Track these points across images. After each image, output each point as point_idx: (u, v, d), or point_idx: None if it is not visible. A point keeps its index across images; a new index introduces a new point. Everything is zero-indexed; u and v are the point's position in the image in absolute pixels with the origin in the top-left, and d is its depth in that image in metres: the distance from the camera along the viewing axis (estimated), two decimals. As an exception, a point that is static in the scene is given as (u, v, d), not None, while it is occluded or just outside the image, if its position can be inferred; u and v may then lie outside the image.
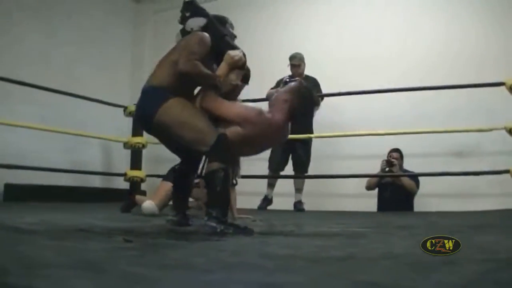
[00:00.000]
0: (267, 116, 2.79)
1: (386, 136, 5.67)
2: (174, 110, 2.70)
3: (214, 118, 2.79)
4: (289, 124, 2.97)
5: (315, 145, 5.92)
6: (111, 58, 7.70)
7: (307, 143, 5.81)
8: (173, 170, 4.09)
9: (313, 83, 5.60)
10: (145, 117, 2.81)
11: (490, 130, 5.07)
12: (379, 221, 3.94)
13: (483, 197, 5.56)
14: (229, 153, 2.67)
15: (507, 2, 6.07)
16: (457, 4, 6.38)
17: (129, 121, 6.50)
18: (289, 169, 5.89)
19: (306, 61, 5.84)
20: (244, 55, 2.95)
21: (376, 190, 5.71)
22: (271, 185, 5.85)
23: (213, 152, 2.63)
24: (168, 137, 2.84)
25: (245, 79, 3.02)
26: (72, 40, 6.98)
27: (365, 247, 2.15)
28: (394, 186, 5.52)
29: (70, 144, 6.45)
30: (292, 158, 5.82)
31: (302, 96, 2.90)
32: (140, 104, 2.84)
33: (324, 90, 5.82)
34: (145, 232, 2.77)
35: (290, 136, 5.48)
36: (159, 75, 2.81)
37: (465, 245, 1.78)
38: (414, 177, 5.50)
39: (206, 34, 2.89)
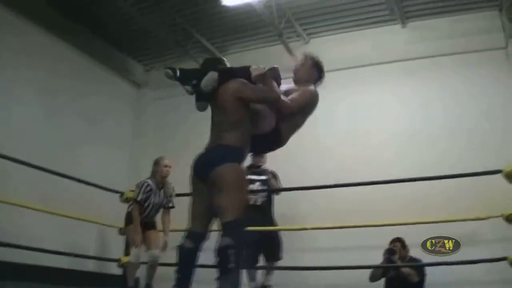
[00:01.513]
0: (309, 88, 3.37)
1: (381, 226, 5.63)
2: (230, 171, 2.87)
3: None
4: None
5: (307, 235, 5.96)
6: (111, 142, 7.79)
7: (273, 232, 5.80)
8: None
9: (272, 176, 5.95)
10: (209, 165, 2.93)
11: (488, 218, 5.05)
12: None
13: (482, 285, 5.45)
14: (240, 235, 2.78)
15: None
16: (448, 98, 6.69)
17: (125, 206, 6.48)
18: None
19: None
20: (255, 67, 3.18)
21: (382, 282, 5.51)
22: (252, 278, 5.67)
23: (227, 226, 2.74)
24: (211, 192, 2.92)
25: None
26: (74, 122, 7.08)
27: None
28: (398, 277, 5.26)
29: (66, 224, 6.31)
30: (266, 242, 5.69)
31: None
32: (208, 155, 3.01)
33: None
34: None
35: (258, 228, 5.45)
36: (229, 137, 2.98)
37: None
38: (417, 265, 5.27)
39: (238, 80, 3.10)
